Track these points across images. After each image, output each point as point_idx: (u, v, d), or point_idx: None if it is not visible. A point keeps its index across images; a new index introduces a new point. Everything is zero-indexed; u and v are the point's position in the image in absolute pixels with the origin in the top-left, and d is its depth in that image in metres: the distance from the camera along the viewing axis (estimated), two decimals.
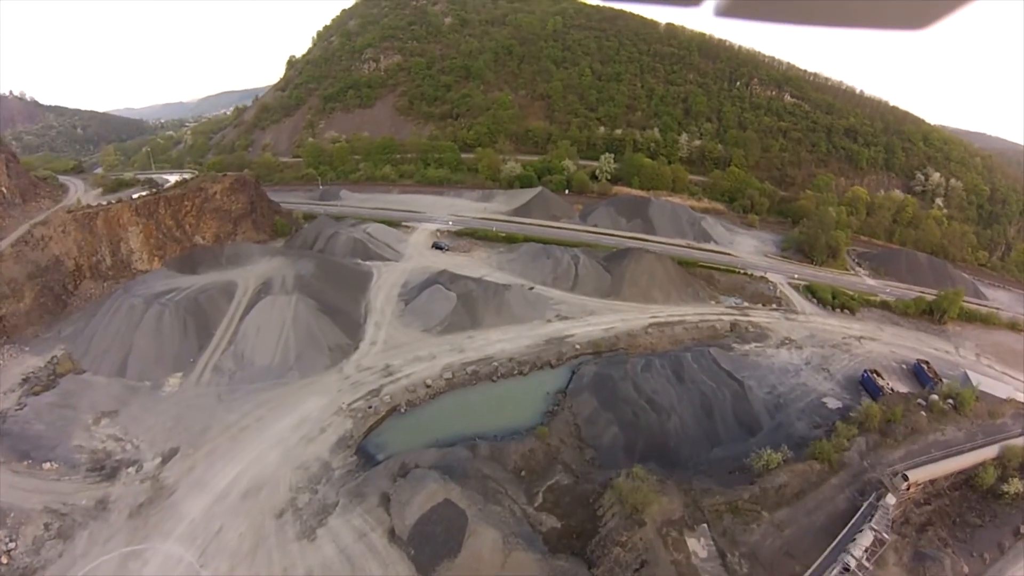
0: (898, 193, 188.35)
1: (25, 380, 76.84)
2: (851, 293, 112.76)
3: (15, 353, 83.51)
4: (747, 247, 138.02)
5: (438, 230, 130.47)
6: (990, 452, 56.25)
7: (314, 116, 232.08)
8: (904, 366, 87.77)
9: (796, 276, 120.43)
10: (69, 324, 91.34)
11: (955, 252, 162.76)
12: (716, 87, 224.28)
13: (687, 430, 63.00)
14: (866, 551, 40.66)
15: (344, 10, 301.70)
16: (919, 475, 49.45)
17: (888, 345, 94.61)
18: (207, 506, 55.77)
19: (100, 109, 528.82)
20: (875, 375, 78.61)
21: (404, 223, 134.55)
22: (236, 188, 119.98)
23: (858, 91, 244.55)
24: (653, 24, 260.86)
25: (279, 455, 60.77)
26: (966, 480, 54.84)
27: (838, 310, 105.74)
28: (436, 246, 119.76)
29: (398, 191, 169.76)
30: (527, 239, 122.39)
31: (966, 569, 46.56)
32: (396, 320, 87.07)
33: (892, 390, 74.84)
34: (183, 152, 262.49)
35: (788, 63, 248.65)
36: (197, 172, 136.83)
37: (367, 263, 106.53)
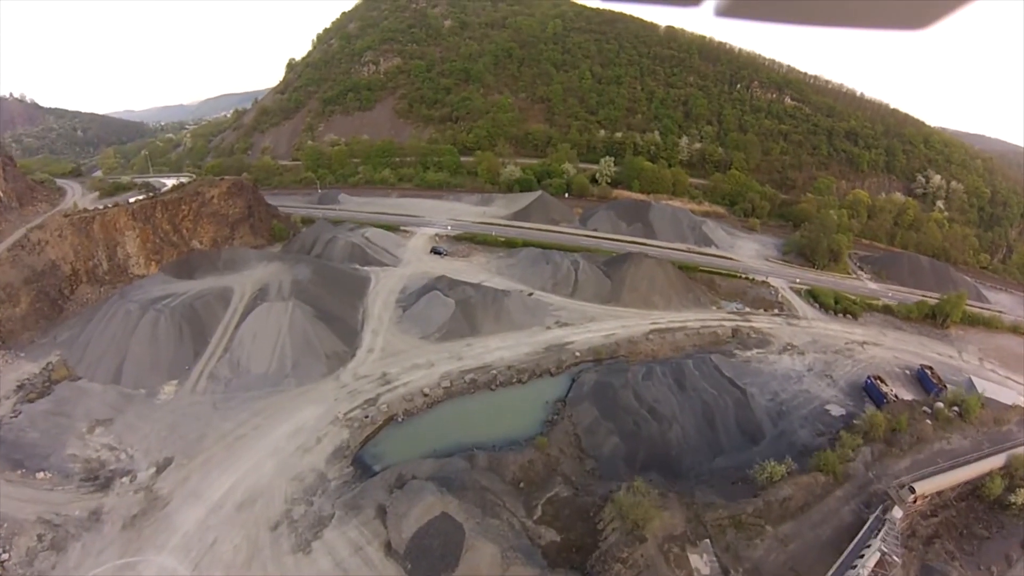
0: (899, 196, 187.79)
1: (20, 387, 76.03)
2: (853, 297, 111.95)
3: (10, 359, 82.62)
4: (748, 251, 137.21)
5: (437, 235, 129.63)
6: (997, 461, 55.38)
7: (313, 119, 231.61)
8: (908, 372, 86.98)
9: (798, 280, 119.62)
10: (65, 329, 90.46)
11: (957, 255, 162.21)
12: (716, 90, 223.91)
13: (689, 439, 62.03)
14: (874, 571, 39.66)
15: (344, 13, 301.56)
16: (926, 487, 48.54)
17: (891, 350, 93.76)
18: (201, 517, 54.87)
19: (100, 111, 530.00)
20: (879, 381, 77.75)
21: (403, 227, 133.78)
22: (233, 192, 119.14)
23: (859, 94, 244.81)
24: (653, 27, 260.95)
25: (275, 465, 59.85)
26: (973, 490, 53.94)
27: (840, 315, 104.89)
28: (435, 251, 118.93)
29: (397, 195, 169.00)
30: (526, 244, 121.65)
31: None
32: (394, 327, 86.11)
33: (896, 397, 74.05)
34: (182, 155, 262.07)
35: (788, 66, 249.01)
36: (194, 176, 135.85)
37: (365, 268, 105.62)
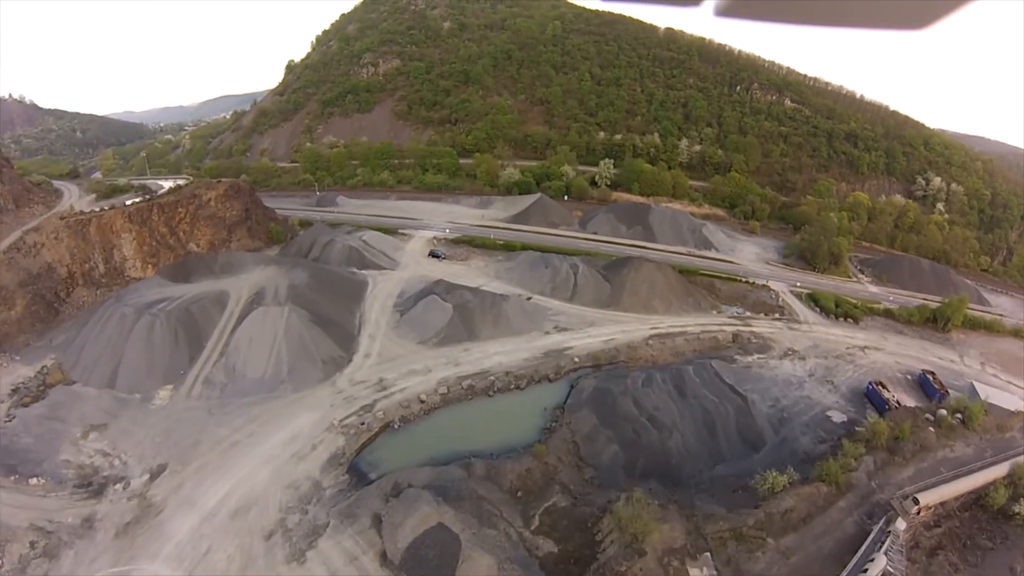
0: (899, 198, 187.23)
1: (15, 390, 75.44)
2: (854, 301, 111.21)
3: (5, 362, 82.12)
4: (748, 254, 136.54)
5: (435, 238, 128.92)
6: (1000, 470, 54.64)
7: (312, 121, 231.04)
8: (909, 377, 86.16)
9: (798, 284, 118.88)
10: (61, 332, 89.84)
11: (957, 257, 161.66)
12: (716, 92, 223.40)
13: (689, 447, 61.27)
14: None
15: (343, 14, 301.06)
16: (930, 498, 47.78)
17: (892, 355, 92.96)
18: (195, 526, 54.18)
19: (100, 112, 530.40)
20: (880, 387, 76.98)
21: (401, 230, 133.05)
22: (230, 195, 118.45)
23: (858, 96, 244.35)
24: (652, 28, 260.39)
25: (269, 473, 59.09)
26: (976, 500, 53.15)
27: (841, 319, 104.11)
28: (433, 254, 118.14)
29: (396, 197, 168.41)
30: (525, 247, 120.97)
31: None
32: (391, 331, 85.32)
33: (898, 403, 73.31)
34: (181, 156, 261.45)
35: (788, 68, 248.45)
36: (192, 178, 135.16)
37: (362, 272, 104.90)
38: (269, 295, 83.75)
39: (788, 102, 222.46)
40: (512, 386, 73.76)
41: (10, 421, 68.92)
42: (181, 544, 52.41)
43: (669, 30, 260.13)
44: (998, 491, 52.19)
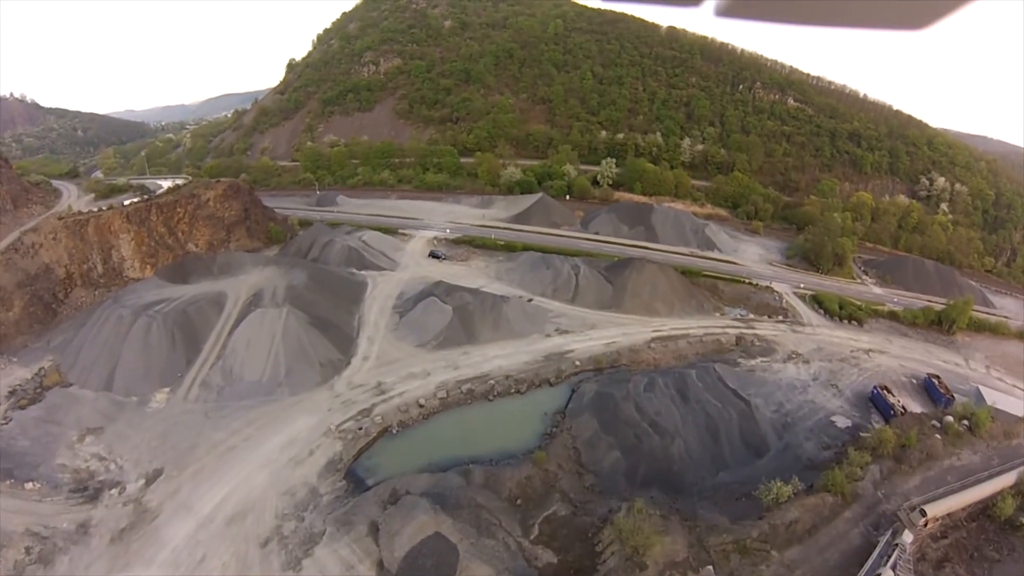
0: (903, 198, 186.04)
1: (12, 392, 75.09)
2: (858, 303, 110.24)
3: (3, 364, 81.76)
4: (751, 255, 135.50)
5: (435, 238, 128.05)
6: (1008, 479, 53.60)
7: (313, 119, 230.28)
8: (914, 381, 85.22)
9: (802, 285, 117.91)
10: (59, 334, 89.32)
11: (961, 258, 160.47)
12: (719, 91, 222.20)
13: (692, 454, 60.32)
14: None
15: (344, 13, 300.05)
16: (937, 509, 46.79)
17: (897, 358, 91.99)
18: (190, 532, 53.55)
19: (101, 111, 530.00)
20: (885, 391, 76.04)
21: (401, 230, 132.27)
22: (229, 195, 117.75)
23: (862, 95, 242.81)
24: (655, 27, 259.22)
25: (266, 478, 58.36)
26: (983, 509, 52.12)
27: (845, 321, 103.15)
28: (433, 255, 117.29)
29: (396, 196, 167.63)
30: (526, 247, 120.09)
31: None
32: (390, 334, 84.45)
33: (903, 408, 72.36)
34: (182, 155, 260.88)
35: (791, 67, 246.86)
36: (190, 178, 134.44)
37: (362, 273, 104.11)
38: (267, 296, 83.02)
39: (791, 101, 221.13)
40: (512, 390, 72.77)
41: (7, 424, 68.54)
42: (176, 551, 51.85)
43: (671, 29, 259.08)
44: (1005, 501, 51.18)
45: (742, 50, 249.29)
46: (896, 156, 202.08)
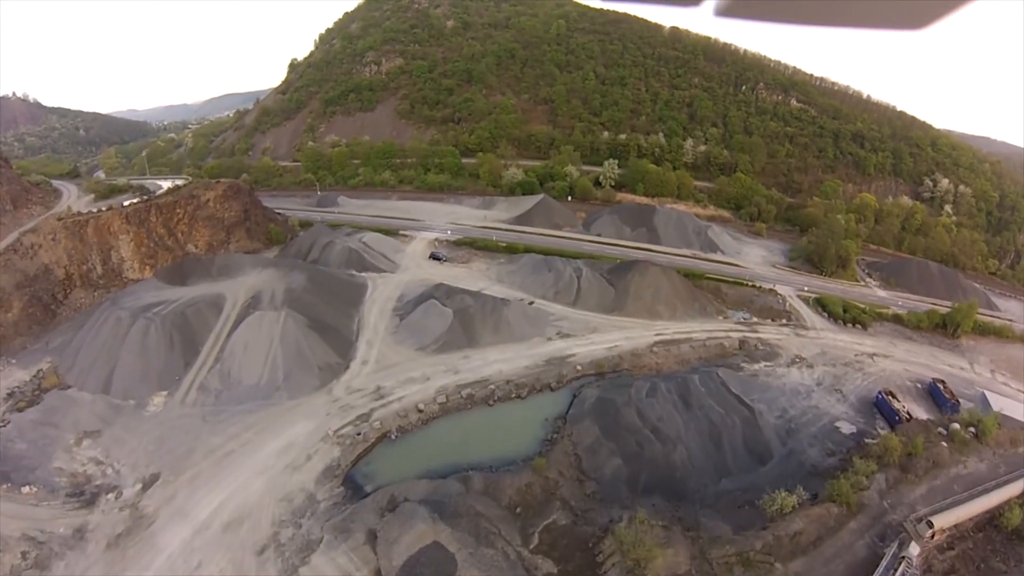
0: (906, 200, 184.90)
1: (10, 395, 75.03)
2: (862, 306, 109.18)
3: (1, 366, 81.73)
4: (755, 257, 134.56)
5: (436, 239, 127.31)
6: (1015, 489, 52.77)
7: (315, 120, 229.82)
8: (919, 385, 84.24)
9: (805, 288, 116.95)
10: (57, 335, 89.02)
11: (965, 261, 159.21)
12: (721, 91, 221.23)
13: (694, 461, 59.46)
14: None
15: (346, 13, 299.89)
16: (944, 520, 45.96)
17: (902, 362, 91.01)
18: (187, 539, 53.03)
19: (103, 111, 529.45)
20: (890, 397, 75.07)
21: (402, 231, 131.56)
22: (229, 195, 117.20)
23: (865, 96, 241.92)
24: (657, 27, 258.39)
25: (263, 484, 57.73)
26: (990, 519, 51.28)
27: (849, 325, 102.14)
28: (434, 256, 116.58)
29: (397, 197, 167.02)
30: (528, 249, 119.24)
31: None
32: (389, 337, 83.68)
33: (908, 413, 71.46)
34: (183, 155, 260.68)
35: (794, 67, 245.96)
36: (190, 179, 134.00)
37: (362, 275, 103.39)
38: (266, 299, 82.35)
39: (794, 102, 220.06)
40: (513, 395, 71.87)
41: (4, 426, 68.36)
42: (172, 557, 51.35)
43: (674, 29, 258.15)
44: (1012, 511, 50.32)
45: (745, 51, 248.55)
46: (900, 157, 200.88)
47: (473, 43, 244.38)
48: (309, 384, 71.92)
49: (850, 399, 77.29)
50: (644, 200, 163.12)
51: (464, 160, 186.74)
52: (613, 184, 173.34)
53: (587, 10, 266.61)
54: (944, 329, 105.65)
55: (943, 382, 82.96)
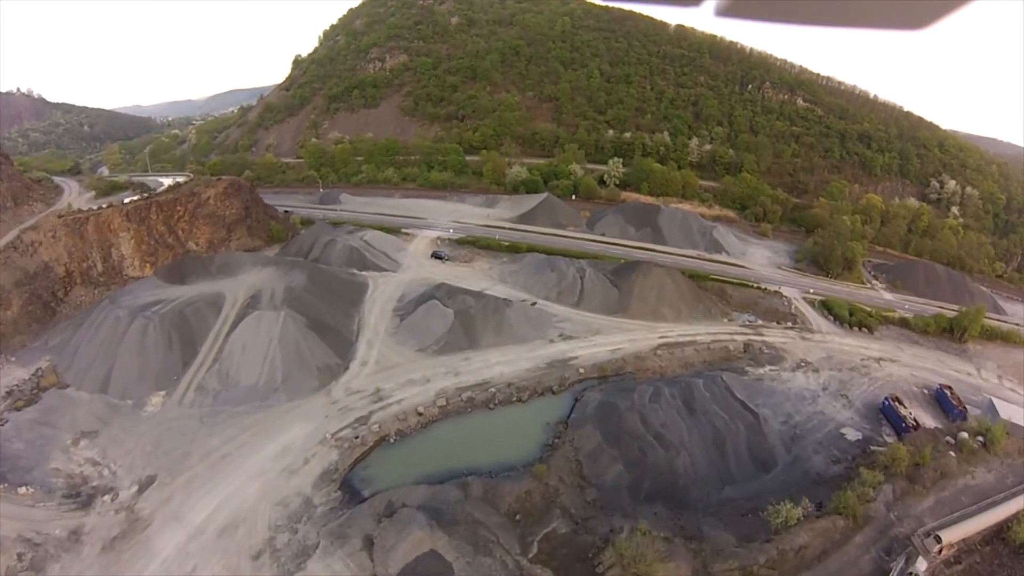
0: (913, 201, 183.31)
1: (9, 393, 74.80)
2: (868, 309, 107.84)
3: (1, 364, 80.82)
4: (760, 258, 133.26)
5: (439, 238, 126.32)
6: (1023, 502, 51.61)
7: (318, 116, 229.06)
8: (926, 391, 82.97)
9: (811, 290, 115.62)
10: (57, 333, 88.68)
11: (972, 263, 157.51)
12: (727, 90, 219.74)
13: (697, 468, 58.48)
14: None
15: (351, 9, 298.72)
16: (952, 535, 44.86)
17: (908, 367, 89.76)
18: (182, 543, 52.47)
19: (108, 107, 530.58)
20: (896, 403, 73.92)
21: (404, 230, 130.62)
22: (230, 193, 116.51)
23: (872, 96, 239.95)
24: (663, 25, 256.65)
25: (259, 488, 57.04)
26: (997, 532, 50.10)
27: (855, 328, 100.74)
28: (436, 255, 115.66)
29: (400, 195, 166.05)
30: (531, 249, 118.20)
31: None
32: (390, 338, 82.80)
33: (915, 420, 70.33)
34: (187, 151, 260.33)
35: (801, 66, 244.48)
36: (191, 176, 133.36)
37: (363, 274, 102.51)
38: (265, 298, 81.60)
39: (800, 101, 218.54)
40: (514, 398, 70.90)
41: (2, 425, 67.91)
42: (167, 562, 50.84)
43: (680, 27, 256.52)
44: (1021, 524, 49.11)
45: (751, 49, 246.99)
46: (906, 158, 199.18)
47: (478, 40, 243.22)
48: (308, 385, 71.17)
49: (856, 405, 76.10)
50: (649, 199, 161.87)
51: (468, 158, 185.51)
52: (617, 183, 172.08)
53: (592, 7, 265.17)
54: (951, 333, 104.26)
55: (950, 388, 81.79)
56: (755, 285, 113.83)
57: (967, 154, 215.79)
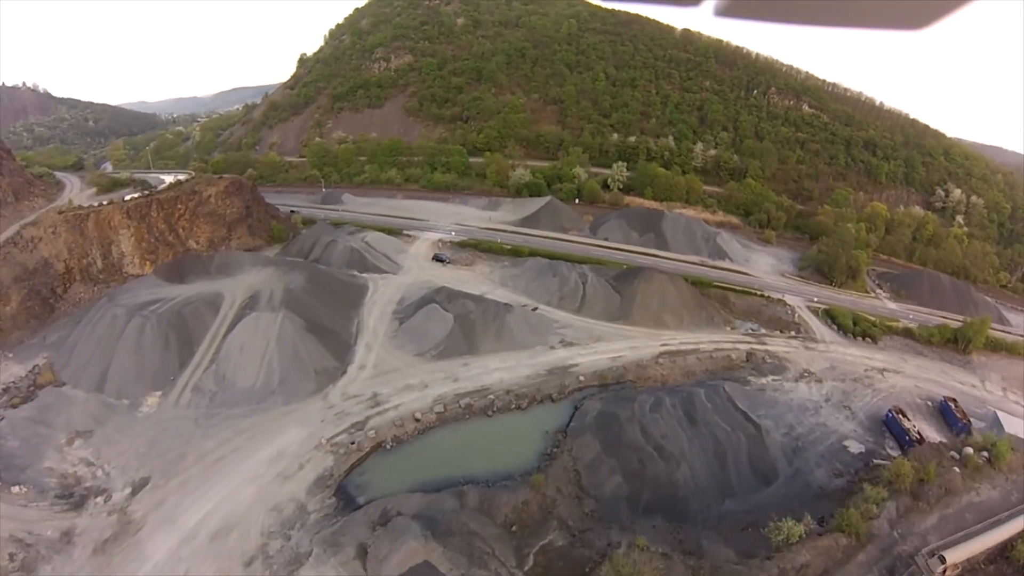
0: (918, 210, 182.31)
1: (6, 390, 74.67)
2: (872, 319, 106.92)
3: None
4: (763, 265, 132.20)
5: (440, 240, 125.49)
6: None
7: (322, 115, 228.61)
8: (930, 403, 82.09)
9: (815, 299, 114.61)
10: (55, 330, 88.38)
11: (976, 273, 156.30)
12: (733, 95, 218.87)
13: (698, 480, 57.56)
14: None
15: (357, 9, 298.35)
16: (957, 555, 43.96)
17: (912, 378, 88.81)
18: (173, 547, 51.93)
19: (113, 102, 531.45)
20: (900, 415, 72.95)
21: (405, 231, 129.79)
22: (231, 191, 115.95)
23: (878, 103, 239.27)
24: (669, 29, 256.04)
25: (253, 493, 56.36)
26: (1002, 550, 49.20)
27: (859, 338, 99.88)
28: (437, 258, 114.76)
29: (402, 196, 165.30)
30: (533, 253, 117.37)
31: None
32: (388, 342, 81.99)
33: (919, 434, 69.43)
34: (190, 149, 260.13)
35: (806, 72, 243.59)
36: (193, 173, 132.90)
37: (363, 275, 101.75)
38: (264, 299, 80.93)
39: (806, 107, 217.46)
40: (513, 406, 69.97)
41: None
42: (159, 566, 50.34)
43: (686, 31, 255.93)
44: None
45: (757, 54, 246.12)
46: (912, 166, 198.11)
47: (483, 41, 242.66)
48: (305, 389, 70.47)
49: (859, 416, 75.18)
50: (653, 204, 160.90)
51: (471, 159, 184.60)
52: (621, 187, 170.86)
53: (598, 10, 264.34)
54: (955, 344, 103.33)
55: (954, 400, 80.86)
56: (758, 293, 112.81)
57: (972, 163, 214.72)
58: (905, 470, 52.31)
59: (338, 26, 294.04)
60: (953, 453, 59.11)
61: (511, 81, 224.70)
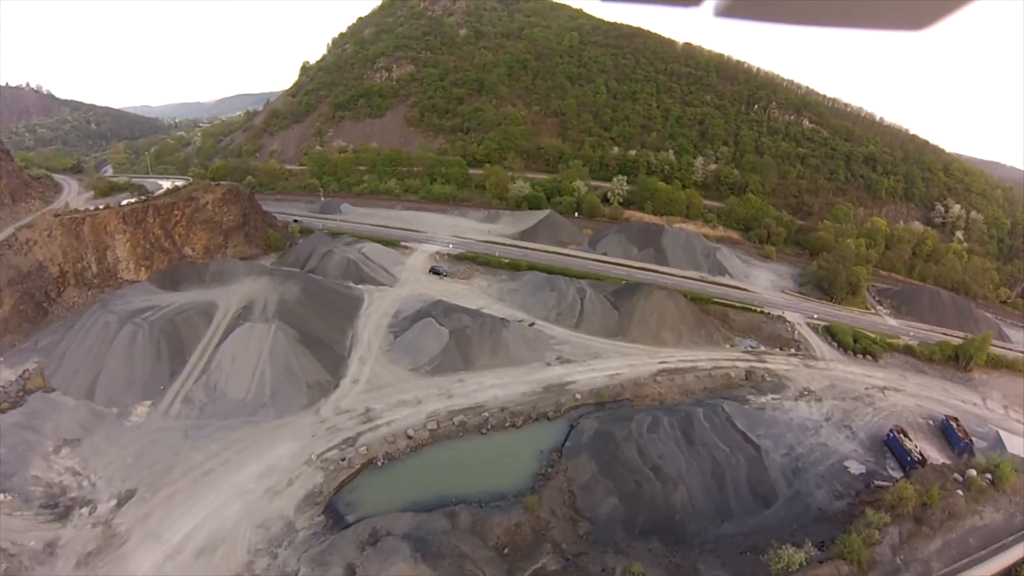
0: (918, 225, 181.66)
1: None
2: (873, 336, 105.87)
3: None
4: (763, 281, 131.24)
5: (438, 253, 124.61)
6: None
7: (323, 124, 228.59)
8: (931, 422, 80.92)
9: (815, 315, 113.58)
10: (47, 335, 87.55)
11: (976, 289, 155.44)
12: (733, 110, 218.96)
13: (695, 502, 56.33)
14: None
15: (360, 18, 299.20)
16: None
17: (913, 397, 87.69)
18: (158, 562, 50.83)
19: (116, 105, 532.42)
20: (901, 435, 71.81)
21: (403, 243, 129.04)
22: (228, 199, 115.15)
23: (878, 118, 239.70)
24: (671, 43, 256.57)
25: (240, 508, 55.16)
26: None
27: (859, 355, 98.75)
28: (434, 271, 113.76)
29: (401, 207, 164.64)
30: (531, 267, 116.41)
31: None
32: (383, 356, 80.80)
33: (920, 454, 68.32)
34: (191, 154, 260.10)
35: (807, 87, 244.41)
36: (190, 179, 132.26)
37: (359, 287, 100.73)
38: (257, 309, 80.00)
39: (806, 123, 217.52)
40: (507, 424, 68.68)
41: None
42: None
43: (688, 45, 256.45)
44: None
45: (758, 69, 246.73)
46: (911, 181, 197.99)
47: (485, 52, 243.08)
48: (296, 402, 69.31)
49: (860, 436, 74.00)
50: (652, 218, 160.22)
51: (471, 171, 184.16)
52: (621, 201, 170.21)
53: (600, 23, 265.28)
54: (956, 361, 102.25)
55: (956, 420, 79.74)
56: (758, 309, 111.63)
57: (972, 178, 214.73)
58: (908, 493, 51.11)
59: (341, 35, 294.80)
60: (956, 475, 57.97)
61: (512, 93, 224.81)
